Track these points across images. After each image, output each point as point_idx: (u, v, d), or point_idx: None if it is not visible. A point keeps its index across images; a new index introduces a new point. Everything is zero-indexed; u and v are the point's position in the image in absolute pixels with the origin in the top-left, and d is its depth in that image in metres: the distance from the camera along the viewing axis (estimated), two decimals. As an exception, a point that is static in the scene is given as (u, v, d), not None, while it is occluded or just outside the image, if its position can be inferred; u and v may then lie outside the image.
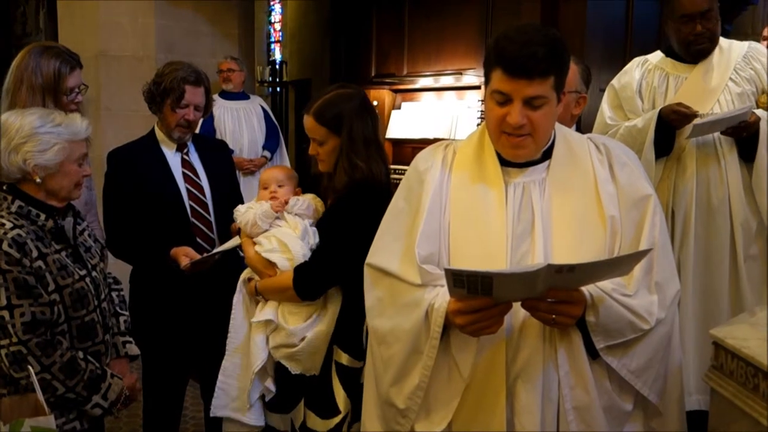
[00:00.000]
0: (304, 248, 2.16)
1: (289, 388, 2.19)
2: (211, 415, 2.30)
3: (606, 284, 1.49)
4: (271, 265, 2.16)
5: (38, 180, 1.91)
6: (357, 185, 2.09)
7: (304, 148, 2.27)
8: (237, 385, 2.24)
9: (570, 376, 1.52)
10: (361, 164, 2.10)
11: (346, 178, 2.11)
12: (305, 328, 2.12)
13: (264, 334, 2.18)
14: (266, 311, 2.18)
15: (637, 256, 1.47)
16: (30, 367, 1.77)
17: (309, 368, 2.13)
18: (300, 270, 2.11)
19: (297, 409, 2.19)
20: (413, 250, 1.59)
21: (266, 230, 2.24)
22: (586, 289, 1.49)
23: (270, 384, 2.21)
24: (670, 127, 2.68)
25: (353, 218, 2.08)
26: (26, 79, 2.48)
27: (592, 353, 1.53)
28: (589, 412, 1.52)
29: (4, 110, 2.41)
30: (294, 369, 2.13)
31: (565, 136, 1.69)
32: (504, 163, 1.64)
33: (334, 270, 2.11)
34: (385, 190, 2.11)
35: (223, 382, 2.26)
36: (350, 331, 2.11)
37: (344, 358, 2.11)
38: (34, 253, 1.85)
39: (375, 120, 2.23)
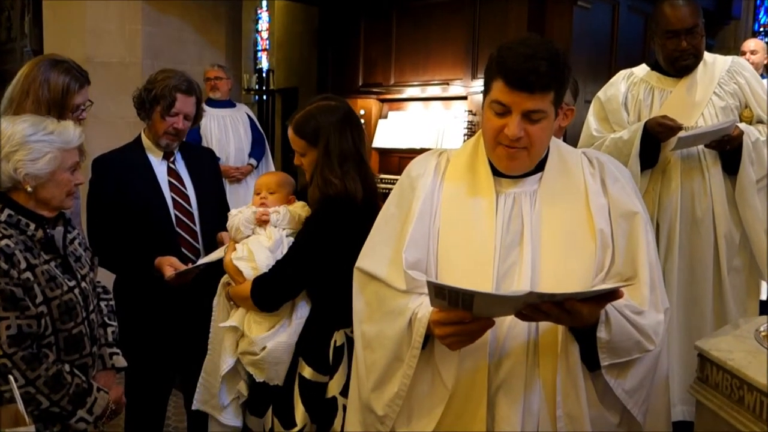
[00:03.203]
0: (269, 258, 2.16)
1: (260, 394, 2.21)
2: (193, 408, 2.33)
3: (619, 301, 1.47)
4: (240, 272, 2.18)
5: (29, 189, 1.88)
6: (329, 201, 2.08)
7: (291, 157, 2.26)
8: (215, 384, 2.26)
9: (563, 386, 1.52)
10: (335, 180, 2.07)
11: (318, 193, 2.10)
12: (266, 337, 2.12)
13: (233, 339, 2.20)
14: (233, 318, 2.21)
15: (610, 290, 1.45)
16: (11, 378, 1.74)
17: (272, 378, 2.14)
18: (258, 281, 2.12)
19: (267, 414, 2.20)
20: (401, 256, 1.59)
21: (248, 236, 2.25)
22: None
23: (243, 387, 2.24)
24: (656, 139, 2.71)
25: (319, 234, 2.08)
26: (33, 92, 2.42)
27: (589, 366, 1.53)
28: (578, 422, 1.52)
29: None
30: (258, 377, 2.15)
31: (558, 148, 1.69)
32: (496, 173, 1.64)
33: (290, 283, 2.11)
34: (361, 207, 2.09)
35: (205, 378, 2.29)
36: (316, 344, 2.12)
37: (307, 372, 2.11)
38: (23, 264, 1.82)
39: (358, 134, 2.19)
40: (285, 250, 2.19)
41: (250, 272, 2.15)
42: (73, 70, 2.53)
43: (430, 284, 1.40)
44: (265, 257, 2.16)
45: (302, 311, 2.17)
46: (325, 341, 2.11)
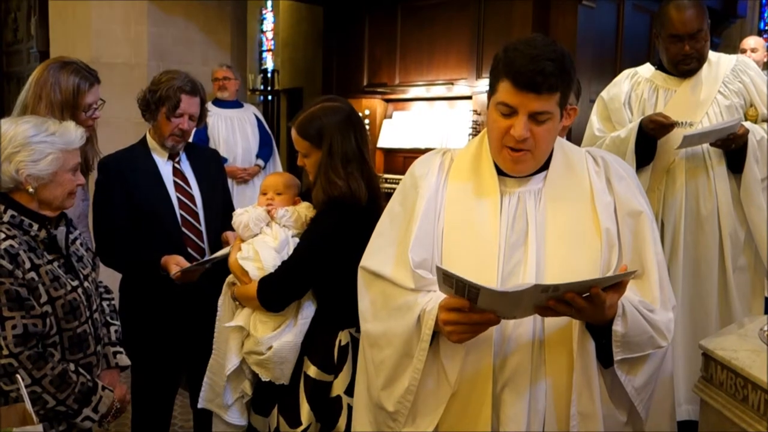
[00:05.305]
0: (275, 259, 2.16)
1: (265, 393, 2.21)
2: (198, 406, 2.33)
3: (632, 297, 1.48)
4: (246, 272, 2.18)
5: (31, 190, 1.88)
6: (333, 202, 2.09)
7: (296, 158, 2.26)
8: (220, 383, 2.27)
9: (578, 384, 1.52)
10: (339, 182, 2.08)
11: (322, 194, 2.10)
12: (272, 337, 2.13)
13: (239, 338, 2.21)
14: (239, 317, 2.21)
15: (620, 277, 1.45)
16: (19, 377, 1.74)
17: (278, 377, 2.14)
18: (263, 281, 2.12)
19: (273, 413, 2.21)
20: (407, 255, 1.59)
21: (256, 235, 2.25)
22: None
23: (247, 387, 2.24)
24: (652, 137, 2.71)
25: (323, 235, 2.09)
26: (45, 95, 2.44)
27: (603, 362, 1.54)
28: (592, 420, 1.53)
29: None
30: (263, 376, 2.15)
31: (563, 147, 1.69)
32: (501, 172, 1.64)
33: (295, 284, 2.12)
34: (365, 208, 2.10)
35: (210, 377, 2.30)
36: (321, 343, 2.13)
37: (312, 371, 2.12)
38: (27, 265, 1.83)
39: (361, 135, 2.19)
40: (291, 251, 2.19)
41: (255, 272, 2.15)
42: (82, 70, 2.54)
43: (439, 270, 1.40)
44: (271, 257, 2.16)
45: (308, 311, 2.17)
46: (331, 341, 2.12)
